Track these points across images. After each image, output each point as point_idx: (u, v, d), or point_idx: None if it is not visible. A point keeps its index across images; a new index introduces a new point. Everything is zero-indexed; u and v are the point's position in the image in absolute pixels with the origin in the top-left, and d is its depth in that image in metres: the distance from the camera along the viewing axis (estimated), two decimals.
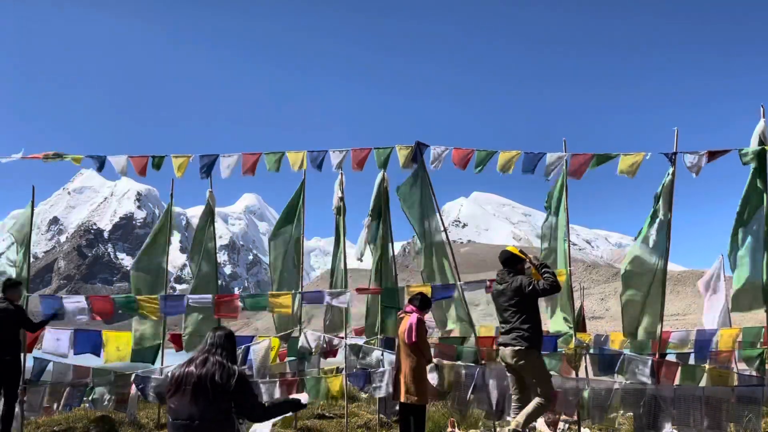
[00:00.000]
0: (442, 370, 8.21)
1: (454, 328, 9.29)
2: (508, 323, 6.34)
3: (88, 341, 8.86)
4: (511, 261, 6.52)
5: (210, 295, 9.13)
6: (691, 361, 9.25)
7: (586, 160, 8.35)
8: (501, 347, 6.45)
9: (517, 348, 6.21)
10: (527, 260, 6.50)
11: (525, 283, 6.25)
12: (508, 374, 6.63)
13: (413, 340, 6.89)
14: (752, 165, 7.71)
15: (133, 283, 9.73)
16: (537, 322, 6.33)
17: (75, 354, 8.76)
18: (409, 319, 7.01)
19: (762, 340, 9.97)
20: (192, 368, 4.27)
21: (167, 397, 4.36)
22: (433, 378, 8.02)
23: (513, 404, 6.54)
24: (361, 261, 9.36)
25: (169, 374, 4.54)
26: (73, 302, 8.79)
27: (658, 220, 7.97)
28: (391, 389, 7.89)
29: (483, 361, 8.62)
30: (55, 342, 8.69)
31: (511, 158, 8.52)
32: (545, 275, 6.25)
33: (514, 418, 6.26)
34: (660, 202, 7.98)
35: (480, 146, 8.67)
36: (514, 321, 6.27)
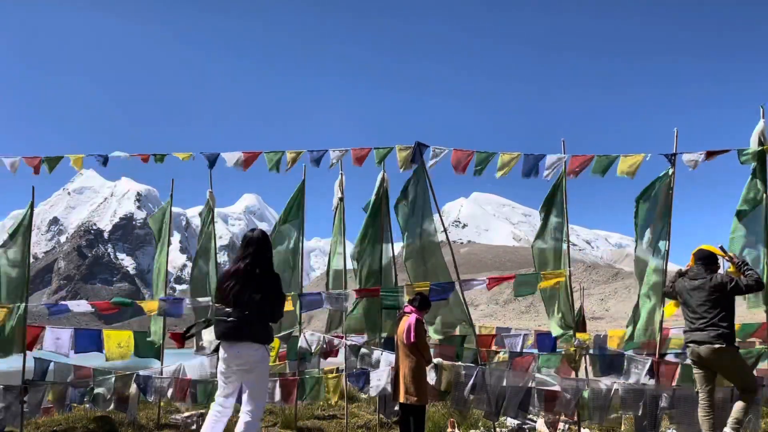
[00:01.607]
0: (441, 370, 8.22)
1: (452, 330, 9.28)
2: (702, 319, 6.35)
3: (88, 340, 8.87)
4: (709, 259, 6.60)
5: (208, 298, 9.14)
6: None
7: (585, 161, 8.36)
8: (692, 344, 6.44)
9: (716, 346, 6.23)
10: (726, 258, 6.63)
11: (726, 280, 6.34)
12: (698, 371, 6.54)
13: (412, 340, 6.90)
14: (751, 165, 7.71)
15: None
16: (733, 319, 6.40)
17: (76, 353, 8.76)
18: (408, 320, 7.02)
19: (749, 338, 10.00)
20: (239, 265, 5.15)
21: (221, 289, 5.19)
22: (431, 378, 8.03)
23: (702, 402, 6.47)
24: (357, 262, 9.35)
25: (223, 273, 5.33)
26: (74, 305, 8.83)
27: (657, 222, 7.99)
28: (390, 389, 7.90)
29: (483, 362, 8.62)
30: (55, 341, 8.69)
31: (510, 160, 8.51)
32: (748, 273, 6.39)
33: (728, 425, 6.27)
34: (657, 202, 7.99)
35: (480, 146, 8.66)
36: (711, 317, 6.29)
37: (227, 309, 5.08)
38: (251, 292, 5.07)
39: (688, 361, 8.50)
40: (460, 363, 8.61)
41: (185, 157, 9.42)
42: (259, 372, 5.16)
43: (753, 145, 7.75)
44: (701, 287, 6.44)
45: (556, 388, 7.97)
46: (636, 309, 8.14)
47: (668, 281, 7.22)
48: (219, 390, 5.23)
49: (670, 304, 7.47)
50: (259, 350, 5.11)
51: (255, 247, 5.25)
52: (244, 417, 5.06)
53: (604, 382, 8.03)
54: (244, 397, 5.14)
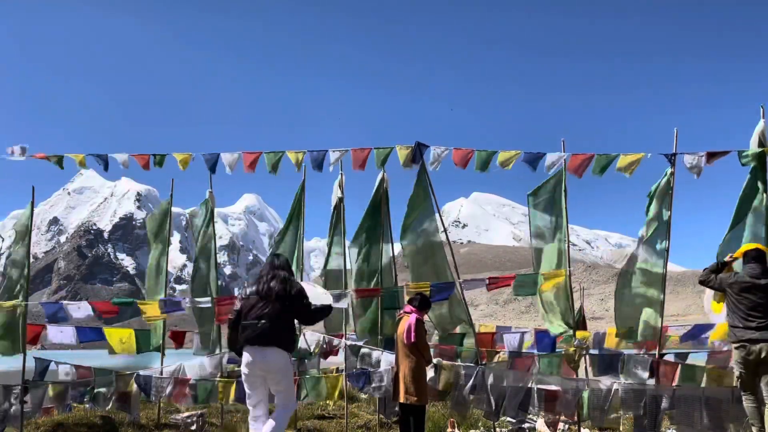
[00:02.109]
0: (440, 369, 8.21)
1: (451, 329, 9.27)
2: (764, 319, 6.37)
3: (90, 335, 8.89)
4: (764, 258, 6.70)
5: (208, 298, 9.14)
6: (690, 358, 9.25)
7: (586, 159, 8.36)
8: (748, 343, 6.43)
9: None
10: None
11: None
12: (743, 371, 6.57)
13: (412, 340, 6.89)
14: (751, 165, 7.72)
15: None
16: None
17: (80, 341, 8.78)
18: (408, 320, 7.01)
19: None
20: (262, 283, 5.56)
21: (243, 304, 5.57)
22: (430, 378, 8.03)
23: (750, 398, 6.52)
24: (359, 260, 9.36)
25: (244, 291, 5.74)
26: (75, 307, 8.80)
27: (655, 221, 8.00)
28: (391, 389, 7.90)
29: (483, 362, 8.61)
30: (59, 335, 8.72)
31: (510, 157, 8.51)
32: None
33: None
34: (656, 202, 8.00)
35: (480, 148, 8.61)
36: None
37: (254, 321, 5.44)
38: (277, 306, 5.46)
39: (690, 361, 8.50)
40: (459, 363, 8.60)
41: (184, 163, 9.28)
42: (287, 378, 5.55)
43: (753, 146, 7.75)
44: (764, 287, 6.42)
45: (556, 387, 7.97)
46: (623, 307, 8.14)
47: (705, 271, 7.13)
48: (248, 399, 5.62)
49: (714, 302, 7.34)
50: (283, 355, 5.46)
51: (275, 269, 5.71)
52: (275, 413, 5.50)
53: (604, 382, 8.02)
54: (277, 401, 5.56)
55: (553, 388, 7.99)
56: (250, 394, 5.54)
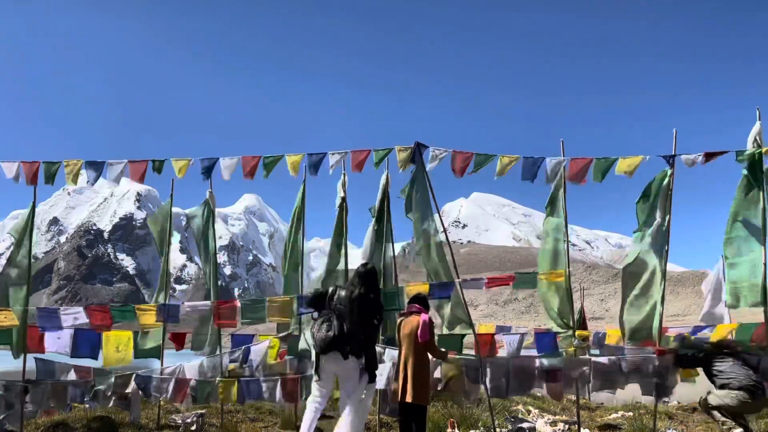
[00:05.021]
0: (445, 363, 8.22)
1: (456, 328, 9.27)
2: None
3: (87, 342, 8.82)
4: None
5: (207, 302, 9.13)
6: None
7: (585, 164, 8.37)
8: None
9: None
10: None
11: None
12: (739, 406, 6.96)
13: (426, 338, 6.84)
14: (746, 164, 7.78)
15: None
16: None
17: (72, 357, 8.73)
18: (420, 318, 6.93)
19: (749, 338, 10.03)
20: (350, 292, 6.30)
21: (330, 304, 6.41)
22: (436, 372, 8.05)
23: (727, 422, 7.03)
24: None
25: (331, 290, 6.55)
26: (71, 314, 8.76)
27: (654, 221, 8.03)
28: (391, 387, 7.89)
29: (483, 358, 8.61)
30: (56, 341, 8.68)
31: (509, 162, 8.50)
32: None
33: None
34: (657, 202, 8.03)
35: (479, 149, 8.62)
36: None
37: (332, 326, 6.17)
38: (355, 315, 6.20)
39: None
40: (462, 357, 8.61)
41: (182, 171, 9.25)
42: (354, 380, 6.34)
43: (749, 148, 7.81)
44: None
45: (559, 366, 8.02)
46: (627, 308, 8.19)
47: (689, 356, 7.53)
48: (314, 391, 6.48)
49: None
50: (352, 361, 6.26)
51: (363, 278, 6.41)
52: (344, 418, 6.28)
53: (608, 357, 8.08)
54: (343, 396, 6.43)
55: (556, 366, 8.05)
56: (318, 388, 6.49)
